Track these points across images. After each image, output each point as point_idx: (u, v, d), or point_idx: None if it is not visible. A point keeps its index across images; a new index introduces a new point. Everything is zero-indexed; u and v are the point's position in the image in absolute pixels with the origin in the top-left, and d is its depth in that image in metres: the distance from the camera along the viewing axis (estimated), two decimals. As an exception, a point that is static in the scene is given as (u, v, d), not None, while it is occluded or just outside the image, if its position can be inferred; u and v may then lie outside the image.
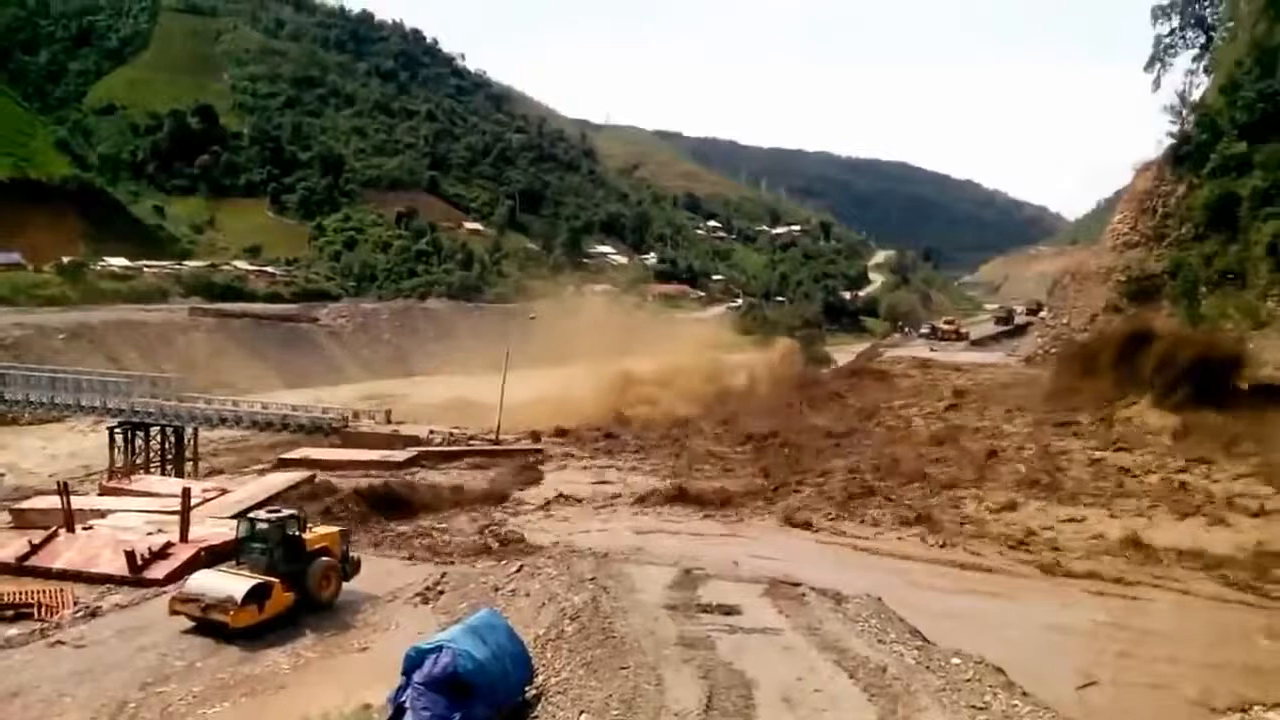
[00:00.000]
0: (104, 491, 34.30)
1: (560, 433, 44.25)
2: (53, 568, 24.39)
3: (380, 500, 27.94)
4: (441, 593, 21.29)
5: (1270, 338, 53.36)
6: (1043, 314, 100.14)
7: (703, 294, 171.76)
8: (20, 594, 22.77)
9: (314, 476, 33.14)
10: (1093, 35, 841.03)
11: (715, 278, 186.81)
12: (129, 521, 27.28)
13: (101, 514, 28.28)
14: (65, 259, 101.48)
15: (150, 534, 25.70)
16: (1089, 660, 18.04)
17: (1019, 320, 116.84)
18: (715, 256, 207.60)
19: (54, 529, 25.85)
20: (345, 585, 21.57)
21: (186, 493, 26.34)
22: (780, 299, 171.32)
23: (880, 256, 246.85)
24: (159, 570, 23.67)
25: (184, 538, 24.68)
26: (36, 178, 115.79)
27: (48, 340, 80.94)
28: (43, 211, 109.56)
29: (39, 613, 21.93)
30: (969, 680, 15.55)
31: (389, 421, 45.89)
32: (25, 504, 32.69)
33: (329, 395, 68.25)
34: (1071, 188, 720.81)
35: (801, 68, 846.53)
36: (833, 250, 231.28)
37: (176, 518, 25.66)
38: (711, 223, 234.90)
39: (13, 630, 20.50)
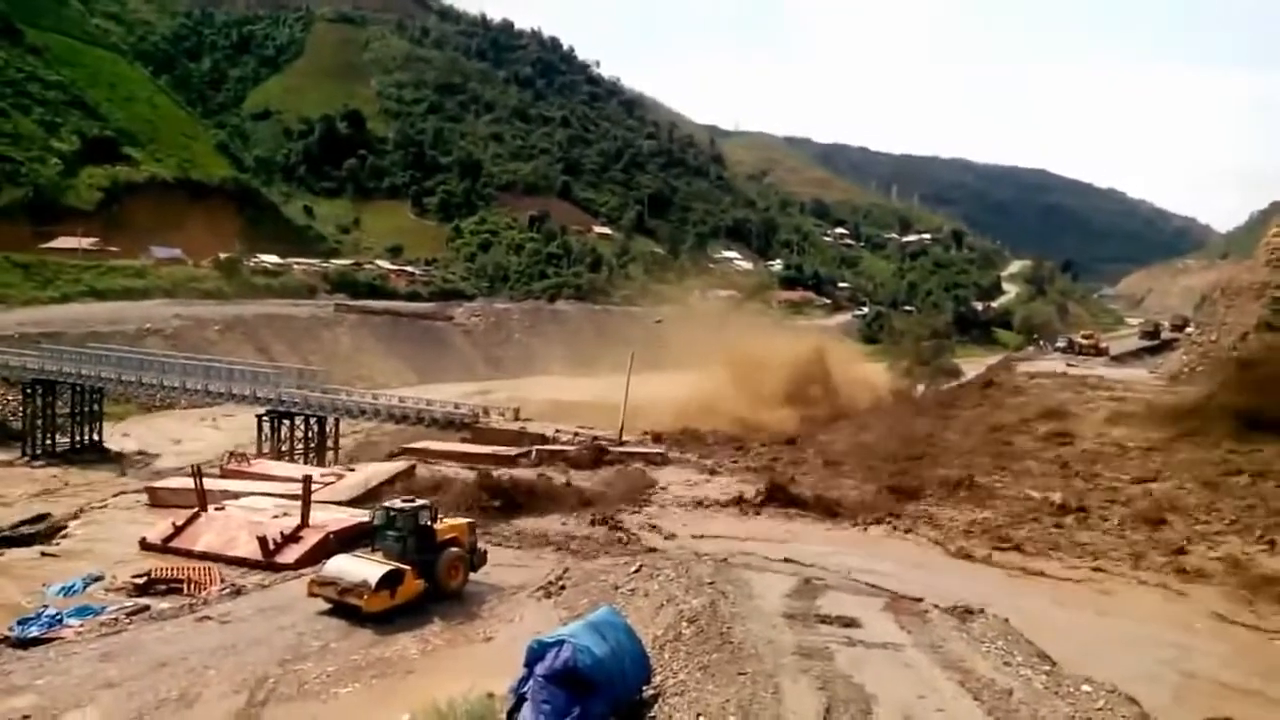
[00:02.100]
0: (224, 474, 35.82)
1: (682, 435, 44.38)
2: (193, 549, 25.87)
3: (499, 495, 28.59)
4: (563, 588, 21.64)
5: None
6: (1189, 330, 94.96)
7: (828, 301, 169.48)
8: (173, 570, 24.40)
9: (413, 467, 34.21)
10: (1250, 39, 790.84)
11: (841, 285, 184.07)
12: (260, 504, 28.70)
13: (234, 496, 29.78)
14: (222, 255, 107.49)
15: (276, 516, 26.97)
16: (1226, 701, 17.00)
17: (1166, 336, 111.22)
18: (842, 263, 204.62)
19: (195, 511, 27.32)
20: (472, 576, 22.24)
21: (308, 479, 27.52)
22: (908, 308, 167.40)
23: (1015, 267, 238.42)
24: (289, 555, 24.89)
25: (305, 522, 25.84)
26: (198, 178, 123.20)
27: (204, 331, 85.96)
28: (202, 210, 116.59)
29: (188, 589, 23.40)
30: (1100, 709, 14.96)
31: (517, 419, 46.91)
32: (159, 484, 34.80)
33: (455, 391, 70.24)
34: (1224, 199, 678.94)
35: (934, 72, 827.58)
36: (965, 259, 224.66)
37: (299, 501, 26.88)
38: (839, 229, 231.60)
39: (164, 604, 21.89)
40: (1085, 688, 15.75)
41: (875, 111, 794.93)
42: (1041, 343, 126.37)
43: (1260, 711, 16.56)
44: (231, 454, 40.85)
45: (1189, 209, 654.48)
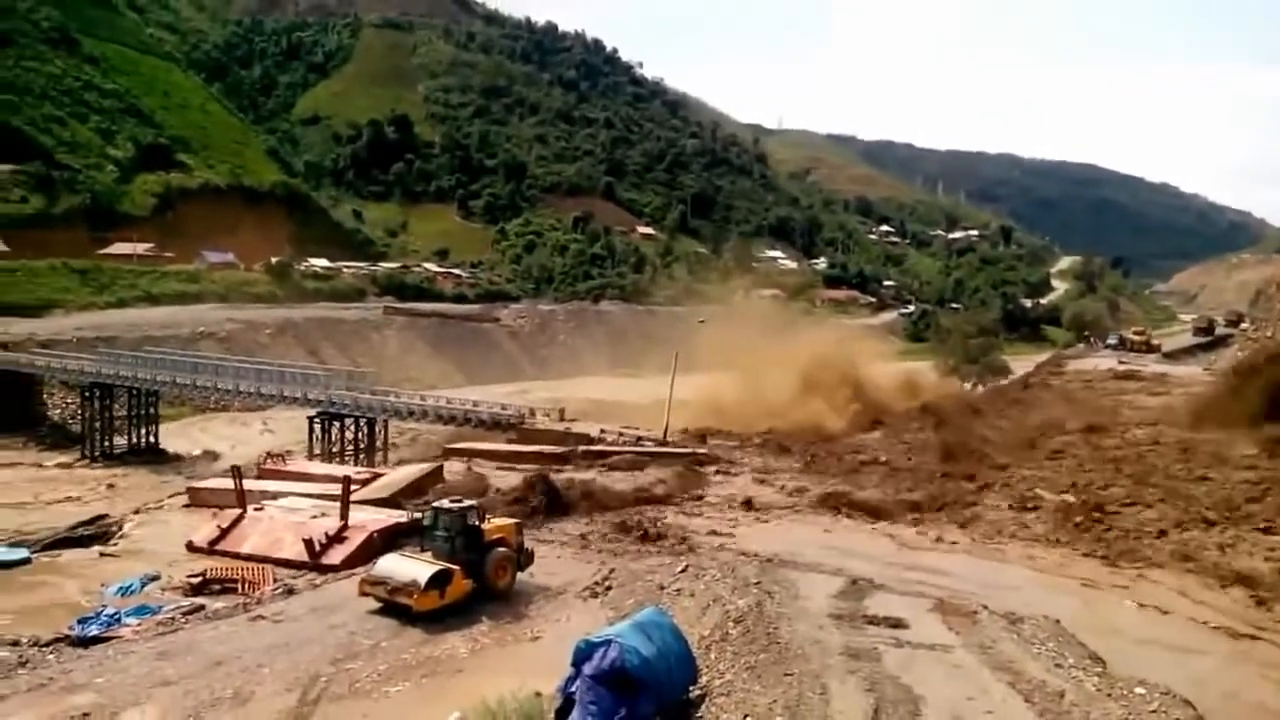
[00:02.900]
0: (262, 474, 36.24)
1: (726, 436, 44.24)
2: (240, 551, 26.20)
3: (545, 494, 28.79)
4: (609, 588, 21.74)
5: None
6: (1244, 325, 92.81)
7: (873, 300, 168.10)
8: (228, 570, 24.89)
9: (440, 467, 34.54)
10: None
11: (886, 283, 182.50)
12: (298, 504, 28.98)
13: (273, 496, 30.06)
14: (273, 259, 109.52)
15: (315, 516, 27.26)
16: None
17: (1220, 332, 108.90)
18: (887, 261, 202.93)
19: (240, 513, 27.68)
20: (519, 576, 22.43)
21: (347, 480, 27.83)
22: (955, 305, 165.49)
23: (1064, 263, 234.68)
24: (335, 556, 25.19)
25: (345, 521, 26.19)
26: (249, 184, 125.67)
27: (256, 334, 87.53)
28: (254, 215, 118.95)
29: (242, 588, 23.85)
30: (1154, 712, 14.78)
31: (562, 419, 47.12)
32: (199, 484, 35.40)
33: (501, 391, 70.81)
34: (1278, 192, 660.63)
35: (980, 67, 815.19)
36: (1013, 256, 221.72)
37: (335, 501, 27.18)
38: (884, 227, 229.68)
39: (219, 604, 22.31)
40: (1139, 690, 15.54)
41: (922, 107, 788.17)
42: (1092, 340, 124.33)
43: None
44: (269, 454, 41.50)
45: (1243, 203, 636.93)
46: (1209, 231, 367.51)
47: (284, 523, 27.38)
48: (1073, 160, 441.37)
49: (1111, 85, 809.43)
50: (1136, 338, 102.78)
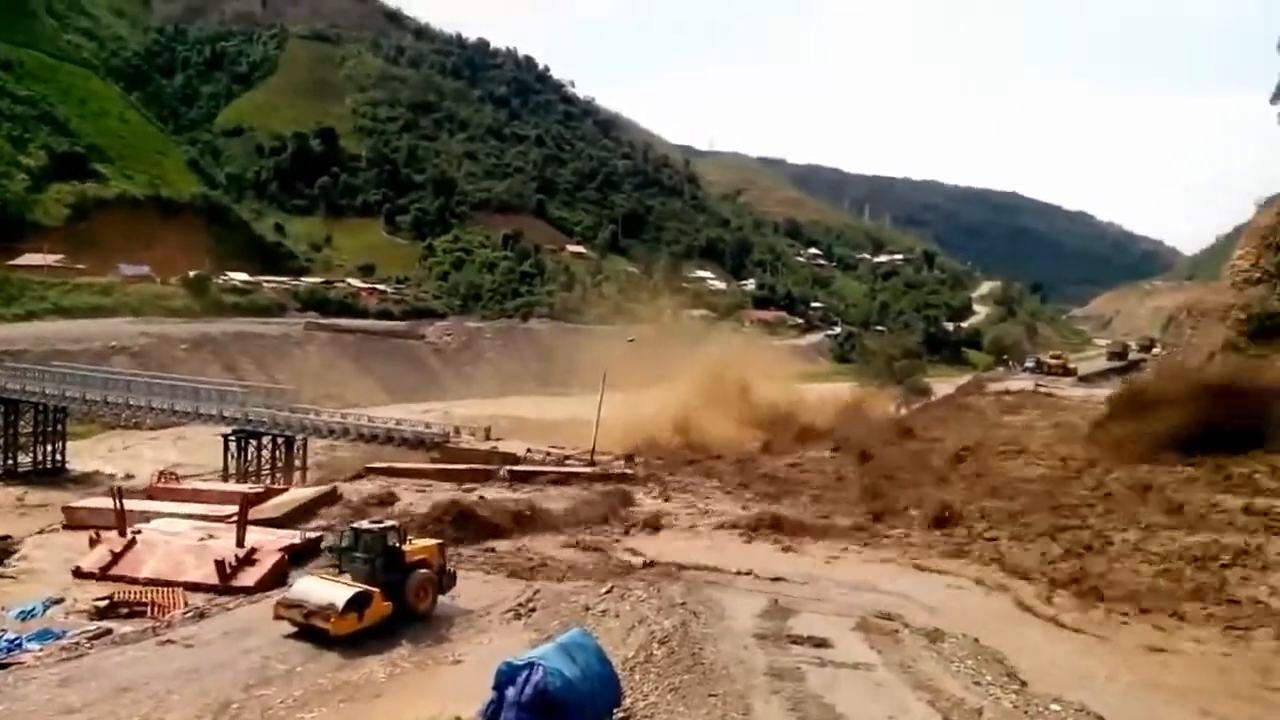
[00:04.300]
0: (153, 493, 34.98)
1: (653, 454, 44.32)
2: (138, 576, 24.73)
3: (469, 517, 28.40)
4: (533, 610, 21.49)
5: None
6: (1156, 351, 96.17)
7: (801, 321, 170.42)
8: (136, 593, 23.86)
9: (335, 489, 33.83)
10: (1216, 66, 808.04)
11: (814, 305, 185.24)
12: (176, 526, 27.60)
13: (147, 519, 28.43)
14: (191, 273, 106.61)
15: (202, 539, 26.16)
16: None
17: (1133, 356, 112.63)
18: (815, 284, 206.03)
19: (132, 537, 26.25)
20: (441, 598, 22.01)
21: (244, 499, 27.05)
22: (880, 328, 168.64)
23: (985, 288, 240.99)
24: (248, 577, 24.36)
25: (240, 543, 25.40)
26: (168, 195, 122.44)
27: (171, 349, 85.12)
28: (172, 227, 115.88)
29: (151, 612, 22.91)
30: (1069, 730, 15.04)
31: (488, 438, 46.65)
32: (78, 504, 33.77)
33: (426, 410, 69.94)
34: (1189, 221, 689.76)
35: (906, 94, 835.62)
36: (936, 280, 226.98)
37: (221, 523, 26.39)
38: (812, 250, 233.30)
39: (126, 628, 21.40)
40: (1054, 707, 15.82)
41: (849, 132, 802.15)
42: (1011, 363, 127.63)
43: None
44: (162, 473, 40.22)
45: (1156, 232, 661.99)
46: (1123, 259, 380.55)
47: (184, 545, 26.33)
48: (994, 188, 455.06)
49: (1031, 115, 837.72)
50: (1053, 361, 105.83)
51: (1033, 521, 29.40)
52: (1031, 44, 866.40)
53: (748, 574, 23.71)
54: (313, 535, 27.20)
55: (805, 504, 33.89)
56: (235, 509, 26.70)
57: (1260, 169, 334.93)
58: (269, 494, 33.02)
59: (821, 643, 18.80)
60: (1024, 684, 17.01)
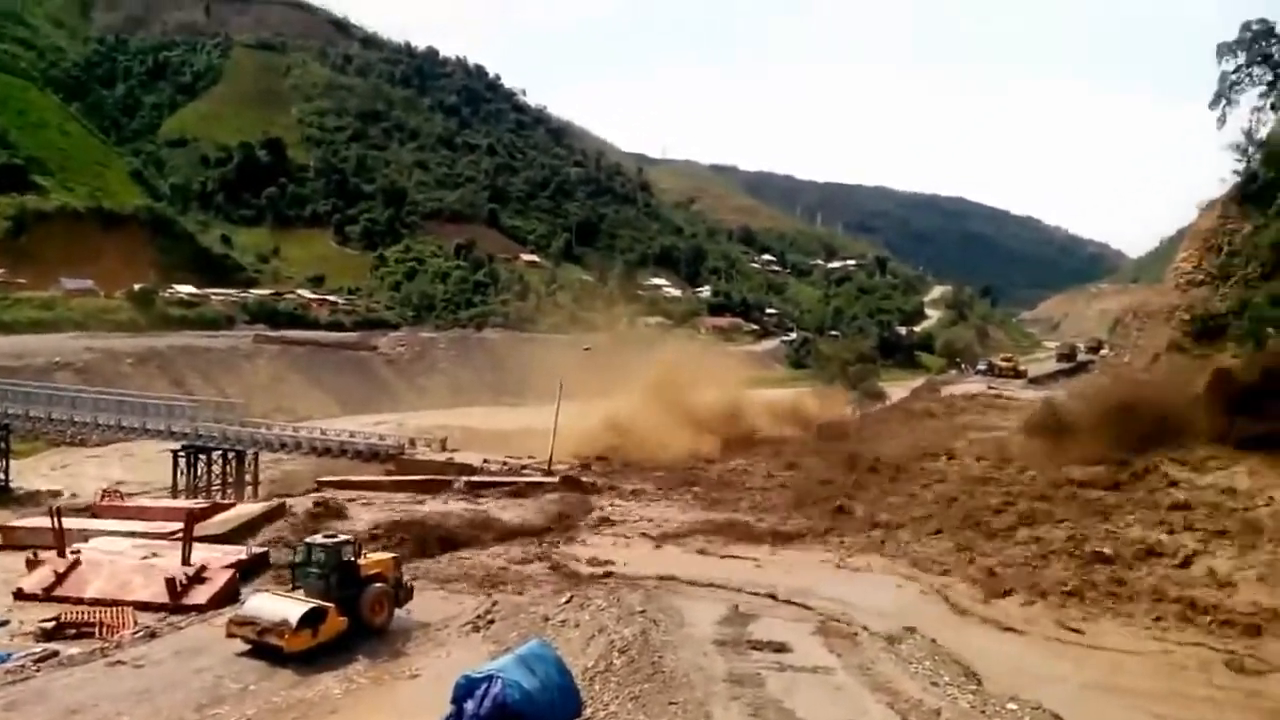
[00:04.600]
0: (97, 511, 34.28)
1: (611, 463, 44.26)
2: (84, 596, 24.13)
3: (422, 529, 28.12)
4: (492, 622, 21.34)
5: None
6: (1104, 352, 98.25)
7: (756, 327, 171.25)
8: (84, 613, 23.25)
9: (283, 505, 33.32)
10: (1157, 71, 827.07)
11: (769, 311, 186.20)
12: (116, 544, 27.01)
13: (85, 536, 27.77)
14: (136, 286, 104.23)
15: (145, 558, 25.63)
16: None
17: (1082, 358, 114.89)
18: (769, 290, 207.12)
19: (75, 557, 25.63)
20: (397, 612, 21.74)
21: (189, 516, 26.56)
22: (834, 333, 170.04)
23: (936, 292, 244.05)
24: (199, 595, 23.87)
25: (186, 560, 24.91)
26: (110, 207, 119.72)
27: (117, 364, 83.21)
28: (115, 240, 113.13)
29: (100, 632, 22.34)
30: (1025, 727, 15.22)
31: (444, 449, 46.27)
32: (16, 523, 33.04)
33: (379, 421, 69.14)
34: (1134, 225, 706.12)
35: (856, 102, 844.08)
36: (888, 285, 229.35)
37: (163, 541, 25.83)
38: (766, 256, 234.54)
39: (74, 649, 20.85)
40: (1010, 706, 15.99)
41: (800, 140, 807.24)
42: (963, 366, 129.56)
43: None
44: (105, 491, 39.33)
45: (1102, 235, 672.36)
46: (1070, 262, 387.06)
47: (132, 564, 25.72)
48: (943, 194, 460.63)
49: (978, 121, 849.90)
50: (1004, 364, 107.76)
51: (965, 523, 30.21)
52: (976, 51, 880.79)
53: (707, 585, 23.68)
54: (259, 550, 26.76)
55: (752, 510, 34.13)
56: (178, 526, 26.17)
57: (1201, 172, 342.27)
58: (214, 510, 32.41)
59: (781, 647, 18.86)
60: (980, 684, 17.19)
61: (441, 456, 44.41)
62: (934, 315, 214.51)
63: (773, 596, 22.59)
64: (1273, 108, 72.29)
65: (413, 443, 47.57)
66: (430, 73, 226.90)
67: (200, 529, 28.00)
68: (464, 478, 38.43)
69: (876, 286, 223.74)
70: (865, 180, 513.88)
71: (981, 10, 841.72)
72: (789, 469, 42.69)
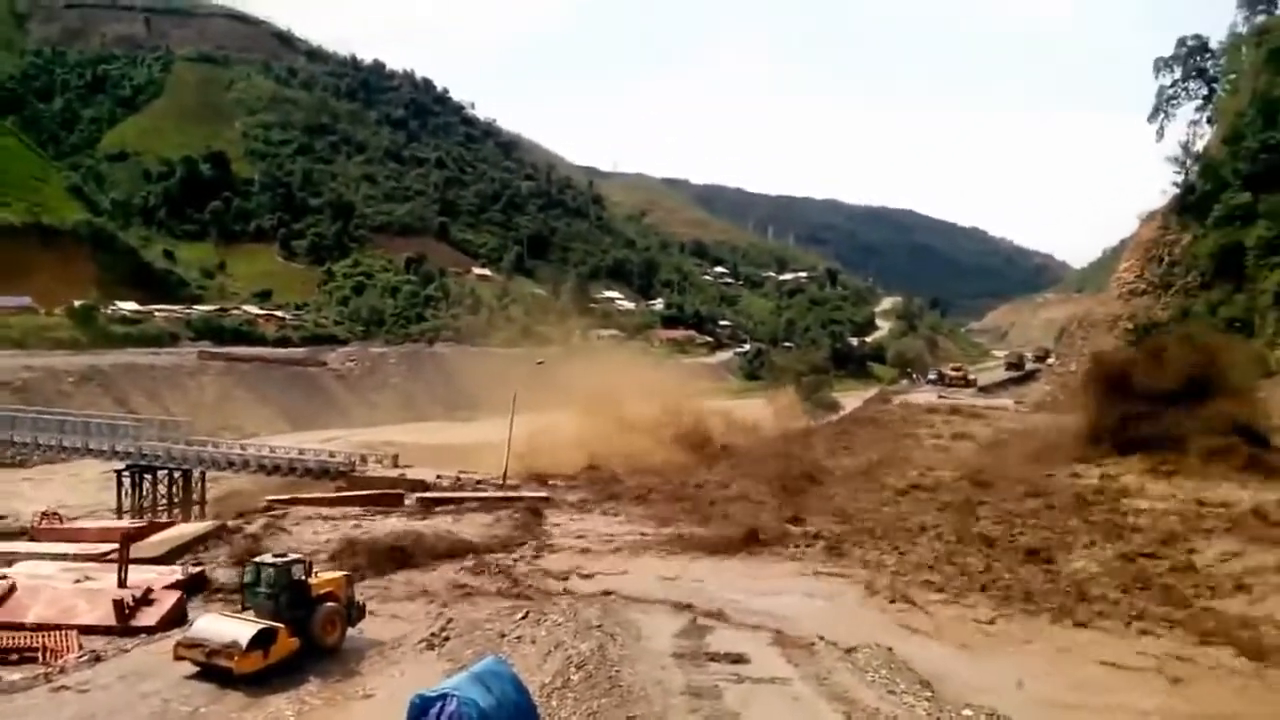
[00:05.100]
0: (34, 534, 33.40)
1: (566, 477, 44.08)
2: (24, 622, 23.08)
3: (374, 547, 27.71)
4: (447, 639, 21.02)
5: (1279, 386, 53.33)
6: (1050, 361, 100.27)
7: (709, 339, 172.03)
8: (25, 638, 22.51)
9: (224, 525, 32.62)
10: (1098, 86, 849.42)
11: (722, 323, 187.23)
12: (44, 568, 26.08)
13: (10, 560, 26.79)
14: (76, 303, 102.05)
15: (77, 581, 24.81)
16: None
17: (1029, 366, 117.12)
18: (722, 302, 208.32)
19: (10, 583, 24.52)
20: (350, 631, 21.37)
21: (125, 537, 25.95)
22: (787, 344, 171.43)
23: (887, 303, 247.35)
24: (148, 617, 23.27)
25: (122, 582, 24.31)
26: (49, 223, 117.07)
27: (57, 383, 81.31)
28: (54, 256, 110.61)
29: (44, 657, 21.67)
30: (980, 733, 15.37)
31: (395, 465, 45.79)
32: None
33: (330, 438, 68.26)
34: (1078, 236, 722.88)
35: (807, 116, 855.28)
36: (839, 297, 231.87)
37: (96, 563, 25.17)
38: (718, 269, 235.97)
39: (16, 675, 20.18)
40: (966, 712, 16.13)
41: (751, 153, 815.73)
42: (914, 376, 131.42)
43: None
44: (44, 514, 38.39)
45: (1047, 246, 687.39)
46: (1016, 273, 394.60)
47: (75, 587, 24.95)
48: (892, 206, 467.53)
49: (926, 134, 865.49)
50: (954, 373, 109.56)
51: (913, 532, 30.84)
52: (924, 67, 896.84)
53: (657, 603, 23.60)
54: (195, 570, 26.22)
55: (706, 521, 34.25)
56: (113, 547, 25.54)
57: (1143, 184, 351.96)
58: (151, 529, 31.55)
59: (738, 659, 18.83)
60: (934, 691, 17.32)
61: (393, 473, 43.91)
62: (885, 326, 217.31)
63: (717, 613, 22.53)
64: (1208, 121, 74.79)
65: (363, 459, 47.02)
66: (377, 85, 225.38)
67: (137, 550, 27.27)
68: (416, 494, 37.96)
69: (828, 298, 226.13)
70: (815, 193, 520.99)
71: (928, 28, 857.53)
72: (742, 481, 42.77)
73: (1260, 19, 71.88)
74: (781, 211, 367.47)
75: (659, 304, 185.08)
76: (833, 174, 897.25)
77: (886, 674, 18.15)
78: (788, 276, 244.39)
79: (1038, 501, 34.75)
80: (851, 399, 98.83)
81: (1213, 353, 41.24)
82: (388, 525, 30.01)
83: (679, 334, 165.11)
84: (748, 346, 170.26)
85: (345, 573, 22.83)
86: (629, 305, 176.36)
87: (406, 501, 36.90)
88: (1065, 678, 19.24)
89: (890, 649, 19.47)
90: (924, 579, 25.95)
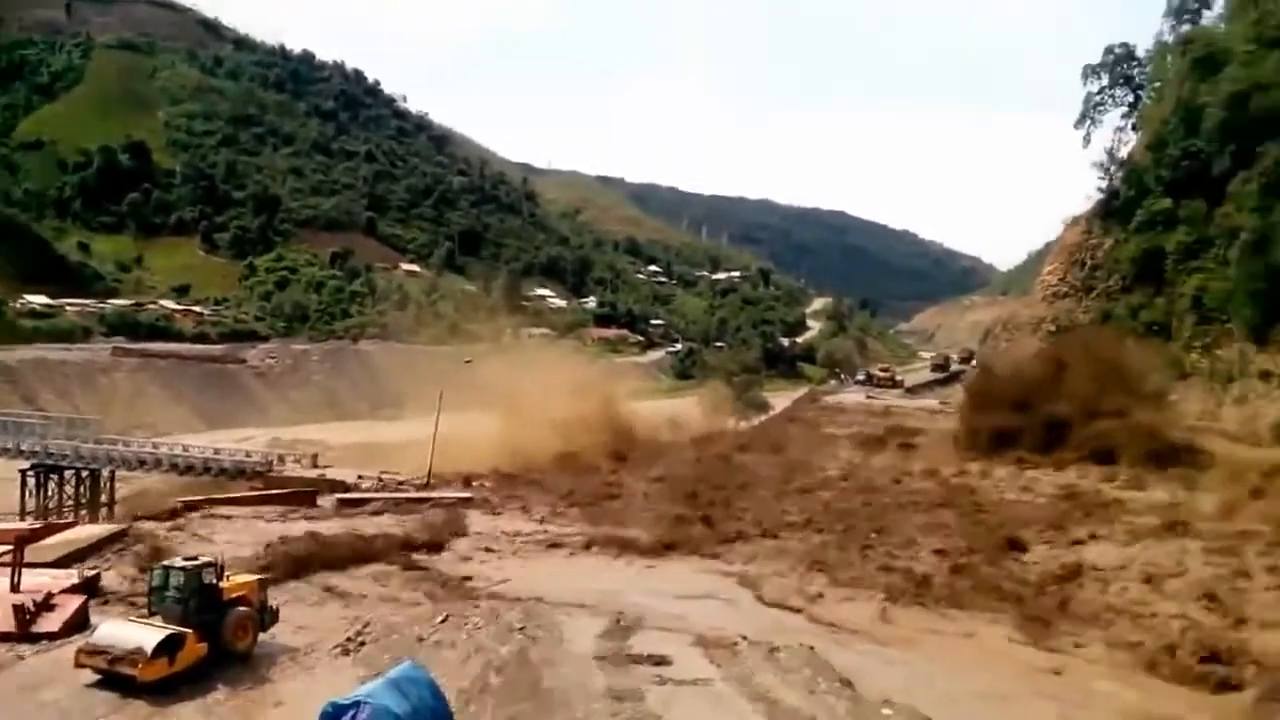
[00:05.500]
0: None
1: (490, 478, 43.59)
2: None
3: (288, 549, 26.96)
4: (362, 644, 20.48)
5: (1195, 388, 55.36)
6: (975, 362, 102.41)
7: (642, 338, 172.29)
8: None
9: (126, 529, 31.41)
10: (1027, 92, 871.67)
11: (655, 322, 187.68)
12: None
13: None
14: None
15: None
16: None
17: (955, 368, 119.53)
18: (655, 301, 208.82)
19: None
20: (262, 636, 20.69)
21: (20, 540, 24.93)
22: (719, 344, 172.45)
23: (818, 304, 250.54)
24: (50, 623, 22.26)
25: (15, 588, 23.34)
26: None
27: (-40, 380, 78.17)
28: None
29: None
30: (900, 731, 15.46)
31: (315, 465, 44.87)
32: None
33: (248, 437, 66.72)
34: (1006, 239, 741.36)
35: (742, 117, 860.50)
36: (771, 297, 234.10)
37: None
38: (652, 267, 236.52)
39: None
40: (885, 711, 16.19)
41: (686, 153, 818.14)
42: (843, 376, 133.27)
43: None
44: None
45: (975, 249, 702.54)
46: (945, 275, 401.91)
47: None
48: (825, 207, 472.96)
49: (859, 136, 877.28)
50: (882, 374, 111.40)
51: (827, 529, 31.29)
52: (855, 69, 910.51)
53: (579, 605, 23.35)
54: (90, 573, 25.24)
55: (632, 522, 34.20)
56: (5, 549, 24.44)
57: (1069, 189, 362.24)
58: (48, 531, 30.16)
59: (661, 660, 18.70)
60: (854, 689, 17.38)
61: (312, 473, 42.97)
62: (815, 326, 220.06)
63: (639, 615, 22.42)
64: (1133, 128, 76.89)
65: (281, 459, 45.97)
66: (306, 76, 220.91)
67: (34, 553, 26.02)
68: (336, 495, 37.14)
69: (760, 298, 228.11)
70: (749, 193, 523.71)
71: (862, 29, 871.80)
72: (668, 480, 42.80)
73: (1185, 28, 73.53)
74: (715, 211, 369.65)
75: (592, 302, 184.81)
76: (767, 174, 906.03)
77: (808, 673, 18.16)
78: (721, 276, 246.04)
79: (927, 499, 36.18)
80: (781, 399, 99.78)
81: (1112, 363, 42.68)
82: (304, 527, 29.18)
83: (611, 333, 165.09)
84: (680, 346, 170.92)
85: (258, 576, 22.16)
86: (561, 303, 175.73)
87: (321, 502, 36.10)
88: (977, 670, 19.56)
89: (812, 648, 19.53)
90: (838, 578, 26.29)
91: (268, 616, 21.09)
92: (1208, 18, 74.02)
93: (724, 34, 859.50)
